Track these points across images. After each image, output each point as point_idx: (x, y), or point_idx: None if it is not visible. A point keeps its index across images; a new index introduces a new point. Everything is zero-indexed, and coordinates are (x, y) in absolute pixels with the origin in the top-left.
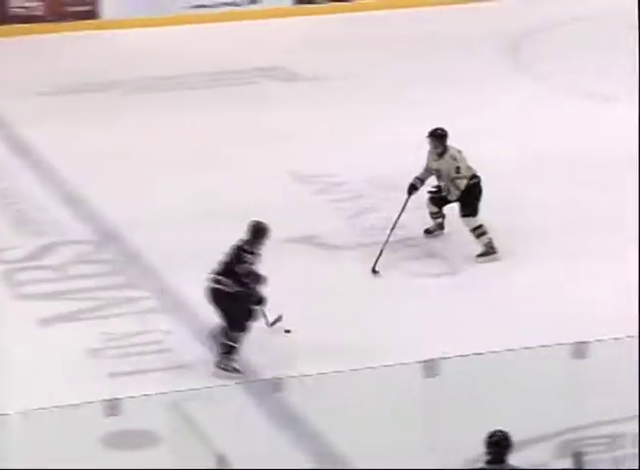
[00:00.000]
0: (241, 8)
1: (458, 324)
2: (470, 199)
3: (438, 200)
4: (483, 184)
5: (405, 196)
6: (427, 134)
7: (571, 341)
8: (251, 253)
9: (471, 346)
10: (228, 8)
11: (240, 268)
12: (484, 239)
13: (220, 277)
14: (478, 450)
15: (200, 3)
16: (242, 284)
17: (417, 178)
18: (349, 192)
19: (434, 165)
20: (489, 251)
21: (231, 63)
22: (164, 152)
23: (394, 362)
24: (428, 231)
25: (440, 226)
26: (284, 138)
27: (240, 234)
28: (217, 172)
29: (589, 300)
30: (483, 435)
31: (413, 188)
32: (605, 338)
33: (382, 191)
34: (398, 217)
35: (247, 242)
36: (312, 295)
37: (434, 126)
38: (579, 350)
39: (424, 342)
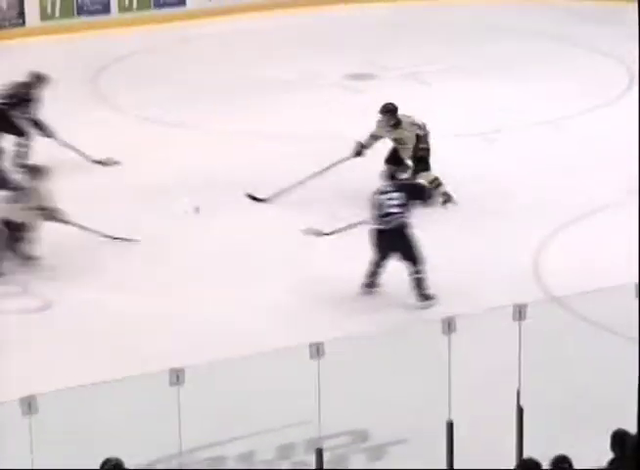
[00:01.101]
0: None
1: None
2: (422, 155)
3: (394, 160)
4: None
5: None
6: (380, 111)
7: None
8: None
9: None
10: None
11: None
12: (442, 189)
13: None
14: None
15: None
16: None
17: (362, 145)
18: None
19: (393, 135)
20: (448, 198)
21: None
22: None
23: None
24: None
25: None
26: None
27: None
28: None
29: None
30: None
31: (357, 154)
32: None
33: None
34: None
35: None
36: None
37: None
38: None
39: None
